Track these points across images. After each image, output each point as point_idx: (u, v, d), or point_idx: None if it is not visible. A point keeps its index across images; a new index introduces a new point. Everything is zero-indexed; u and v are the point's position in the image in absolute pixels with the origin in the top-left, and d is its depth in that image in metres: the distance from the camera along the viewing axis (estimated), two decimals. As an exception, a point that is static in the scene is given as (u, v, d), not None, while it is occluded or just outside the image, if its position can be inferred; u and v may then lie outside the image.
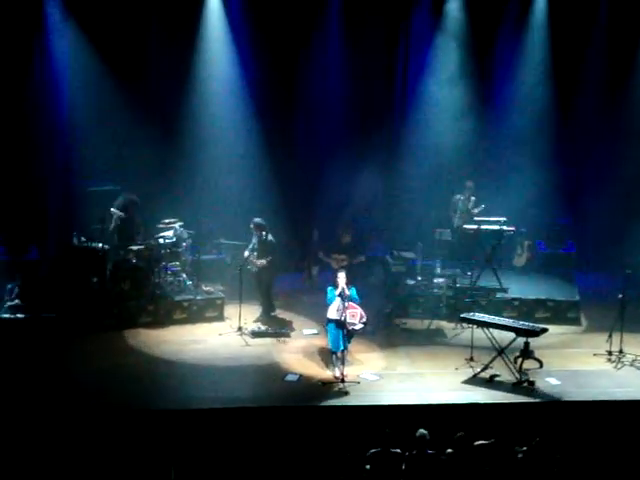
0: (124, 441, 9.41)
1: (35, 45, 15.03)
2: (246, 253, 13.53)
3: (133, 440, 9.44)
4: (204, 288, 14.25)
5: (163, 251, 14.00)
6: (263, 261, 13.40)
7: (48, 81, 15.25)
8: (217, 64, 16.13)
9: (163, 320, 13.47)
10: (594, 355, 12.24)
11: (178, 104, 15.68)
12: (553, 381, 11.28)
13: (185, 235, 14.53)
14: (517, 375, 11.20)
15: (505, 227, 14.35)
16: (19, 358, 11.59)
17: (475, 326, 11.92)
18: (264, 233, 13.44)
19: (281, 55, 16.01)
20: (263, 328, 13.21)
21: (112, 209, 14.17)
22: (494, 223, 14.43)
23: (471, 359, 11.86)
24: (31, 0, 14.82)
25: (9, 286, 13.08)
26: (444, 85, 16.45)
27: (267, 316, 13.64)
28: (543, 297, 14.26)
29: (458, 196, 15.61)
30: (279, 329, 13.24)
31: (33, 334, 12.34)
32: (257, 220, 13.53)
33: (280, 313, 14.00)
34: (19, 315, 12.65)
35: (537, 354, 11.55)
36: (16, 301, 12.90)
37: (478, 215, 15.10)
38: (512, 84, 16.59)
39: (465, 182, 15.63)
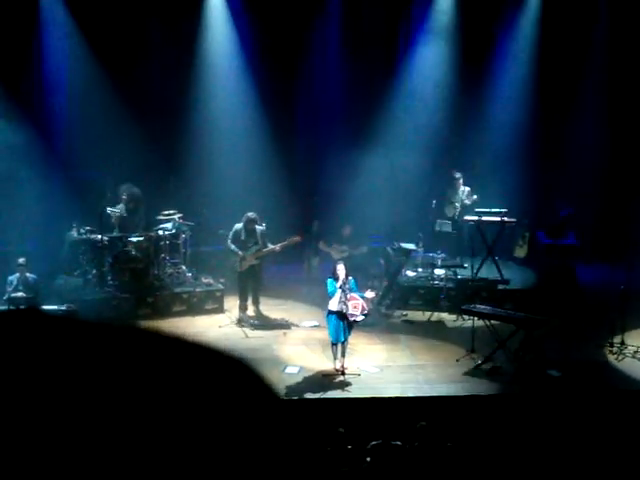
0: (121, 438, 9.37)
1: (33, 39, 15.00)
2: (240, 252, 13.19)
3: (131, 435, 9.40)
4: (204, 280, 14.19)
5: (162, 243, 13.94)
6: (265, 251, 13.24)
7: (47, 75, 15.25)
8: (217, 57, 16.10)
9: (162, 312, 13.43)
10: (596, 346, 12.20)
11: (178, 97, 15.63)
12: (555, 373, 11.24)
13: (184, 227, 14.46)
14: (518, 367, 11.16)
15: (506, 218, 14.29)
16: (20, 352, 11.52)
17: (476, 318, 11.89)
18: (257, 226, 13.26)
19: (282, 46, 15.95)
20: (258, 320, 13.15)
21: (109, 208, 14.10)
22: (495, 214, 14.36)
23: (472, 351, 11.81)
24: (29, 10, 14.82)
25: (10, 278, 13.02)
26: (443, 76, 16.44)
27: (259, 309, 13.47)
28: (544, 288, 14.19)
29: (451, 188, 15.60)
30: (279, 321, 13.19)
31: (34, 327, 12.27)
32: (252, 215, 13.32)
33: (280, 305, 13.95)
34: (21, 307, 12.57)
35: (538, 345, 11.49)
36: (19, 293, 12.84)
37: (471, 206, 15.05)
38: (510, 74, 16.55)
39: (452, 173, 15.54)
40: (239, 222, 13.19)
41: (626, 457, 9.25)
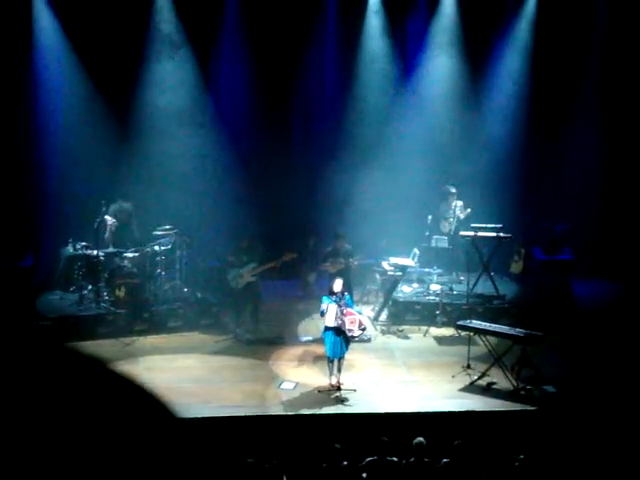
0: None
1: (28, 56, 15.03)
2: (236, 269, 13.28)
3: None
4: (200, 295, 14.18)
5: (158, 258, 13.94)
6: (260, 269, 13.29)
7: (41, 89, 15.22)
8: (212, 67, 16.14)
9: (158, 327, 13.41)
10: (591, 362, 12.20)
11: (174, 113, 15.67)
12: (550, 389, 11.24)
13: (181, 241, 14.44)
14: (514, 383, 11.16)
15: (502, 234, 14.31)
16: (15, 367, 11.50)
17: (472, 333, 11.90)
18: (252, 243, 13.37)
19: (278, 57, 15.96)
20: (257, 335, 13.14)
21: (107, 216, 14.14)
22: (491, 230, 14.38)
23: (468, 367, 11.81)
24: (21, 16, 14.82)
25: None
26: (440, 87, 16.53)
27: (257, 326, 13.46)
28: (540, 304, 14.19)
29: (445, 203, 15.60)
30: (275, 337, 13.18)
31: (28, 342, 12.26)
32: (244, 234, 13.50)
33: (277, 320, 13.93)
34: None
35: (534, 361, 11.49)
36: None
37: (466, 221, 15.07)
38: (506, 89, 16.61)
39: (447, 188, 15.55)
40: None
41: (623, 473, 9.24)
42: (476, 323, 11.98)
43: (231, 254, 13.40)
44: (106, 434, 0.94)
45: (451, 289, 14.36)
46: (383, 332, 13.67)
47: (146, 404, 1.05)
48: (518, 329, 11.71)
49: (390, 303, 14.12)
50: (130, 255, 13.77)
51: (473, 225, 14.65)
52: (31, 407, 0.93)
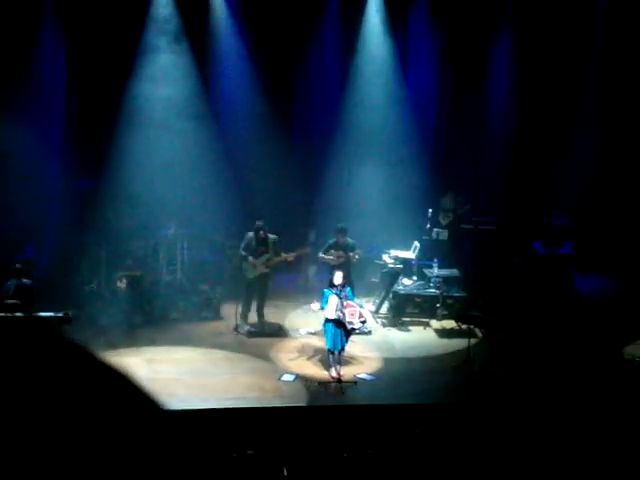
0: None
1: (32, 46, 15.05)
2: (251, 258, 13.29)
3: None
4: (201, 288, 14.20)
5: (160, 250, 13.96)
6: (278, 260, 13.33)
7: (45, 83, 15.26)
8: (215, 67, 16.16)
9: (159, 320, 13.43)
10: (592, 354, 12.22)
11: (174, 106, 15.69)
12: (548, 381, 11.27)
13: (182, 234, 14.47)
14: (513, 374, 11.18)
15: (502, 227, 14.33)
16: (16, 358, 11.52)
17: (472, 326, 11.92)
18: (269, 235, 13.38)
19: (279, 52, 15.98)
20: (259, 328, 13.16)
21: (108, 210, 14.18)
22: (491, 223, 14.41)
23: (468, 359, 11.84)
24: (28, 19, 14.85)
25: (7, 283, 13.01)
26: (442, 83, 16.54)
27: (262, 318, 13.50)
28: (540, 297, 14.20)
29: (445, 197, 15.65)
30: (275, 329, 13.20)
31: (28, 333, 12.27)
32: (260, 223, 13.29)
33: (277, 313, 13.96)
34: (17, 314, 12.55)
35: (534, 353, 11.52)
36: (14, 300, 12.80)
37: (466, 214, 15.10)
38: (506, 81, 16.64)
39: (448, 182, 15.60)
40: (250, 231, 13.30)
41: (618, 463, 9.27)
42: (476, 315, 12.01)
43: (247, 244, 13.41)
44: (95, 426, 0.95)
45: (449, 282, 14.36)
46: (384, 325, 13.70)
47: (130, 395, 1.05)
48: (517, 322, 11.74)
49: (391, 296, 14.13)
50: (132, 247, 13.79)
51: (474, 219, 14.69)
52: (20, 401, 0.93)
